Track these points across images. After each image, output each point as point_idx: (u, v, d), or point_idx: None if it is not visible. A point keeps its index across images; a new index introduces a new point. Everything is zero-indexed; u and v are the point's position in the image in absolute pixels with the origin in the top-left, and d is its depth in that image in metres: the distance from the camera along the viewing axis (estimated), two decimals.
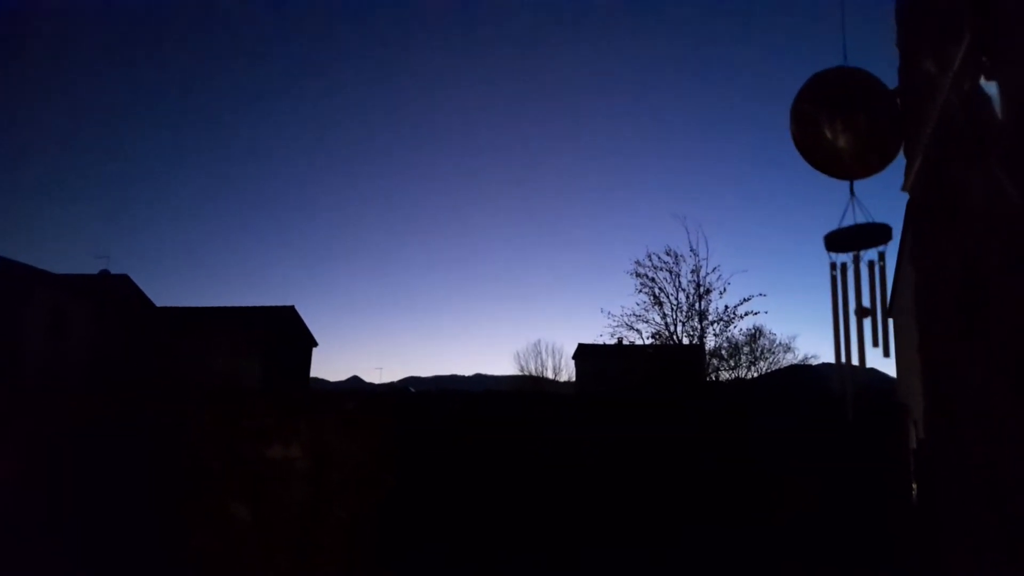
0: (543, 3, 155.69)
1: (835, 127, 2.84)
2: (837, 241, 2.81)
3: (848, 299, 2.80)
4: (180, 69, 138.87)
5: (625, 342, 23.75)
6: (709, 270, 20.53)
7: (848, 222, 2.79)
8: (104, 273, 31.10)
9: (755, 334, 26.75)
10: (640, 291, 21.12)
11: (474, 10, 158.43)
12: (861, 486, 5.76)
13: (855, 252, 2.79)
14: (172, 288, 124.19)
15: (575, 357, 40.20)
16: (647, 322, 21.12)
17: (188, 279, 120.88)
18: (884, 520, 5.63)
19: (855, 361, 2.84)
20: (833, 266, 2.81)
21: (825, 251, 2.84)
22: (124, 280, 31.46)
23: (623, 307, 26.85)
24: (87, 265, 39.59)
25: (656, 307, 20.93)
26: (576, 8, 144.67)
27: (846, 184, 2.89)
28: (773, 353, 29.34)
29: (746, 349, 26.63)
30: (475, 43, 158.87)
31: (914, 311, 3.12)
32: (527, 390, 35.83)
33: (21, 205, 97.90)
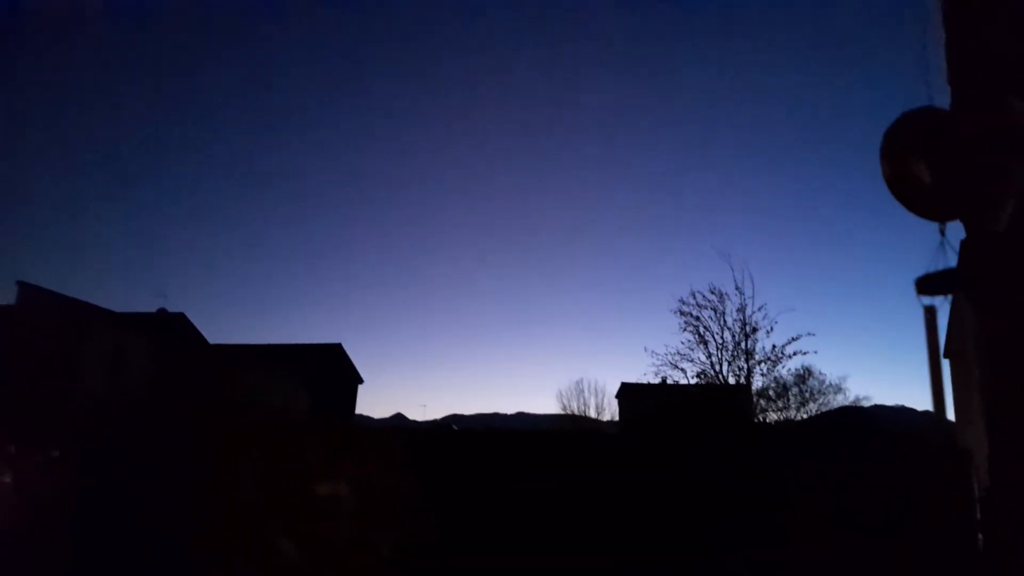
0: (582, 33, 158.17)
1: (927, 167, 2.84)
2: (931, 285, 2.77)
3: (939, 343, 2.76)
4: (231, 121, 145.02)
5: (670, 381, 23.40)
6: (755, 308, 20.24)
7: (938, 265, 2.76)
8: (162, 311, 32.21)
9: (804, 374, 26.00)
10: (684, 329, 20.92)
11: (514, 44, 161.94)
12: (926, 535, 5.54)
13: (946, 295, 2.76)
14: (224, 324, 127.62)
15: (619, 396, 39.65)
16: (692, 361, 20.83)
17: (239, 315, 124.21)
18: (951, 570, 5.38)
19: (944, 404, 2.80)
20: (927, 310, 2.77)
21: (917, 295, 2.79)
22: (180, 318, 32.51)
23: (667, 345, 26.52)
24: (146, 303, 41.12)
25: (701, 346, 20.67)
26: (619, 36, 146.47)
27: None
28: (823, 394, 28.41)
29: (795, 390, 25.86)
30: (514, 78, 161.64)
31: (975, 352, 3.05)
32: (569, 429, 35.41)
33: (84, 243, 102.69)
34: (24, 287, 25.89)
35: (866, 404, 29.68)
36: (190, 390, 28.01)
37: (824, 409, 28.16)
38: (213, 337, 33.57)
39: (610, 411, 41.73)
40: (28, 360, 24.04)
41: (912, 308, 2.76)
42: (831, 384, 28.82)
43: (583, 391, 42.38)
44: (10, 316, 25.36)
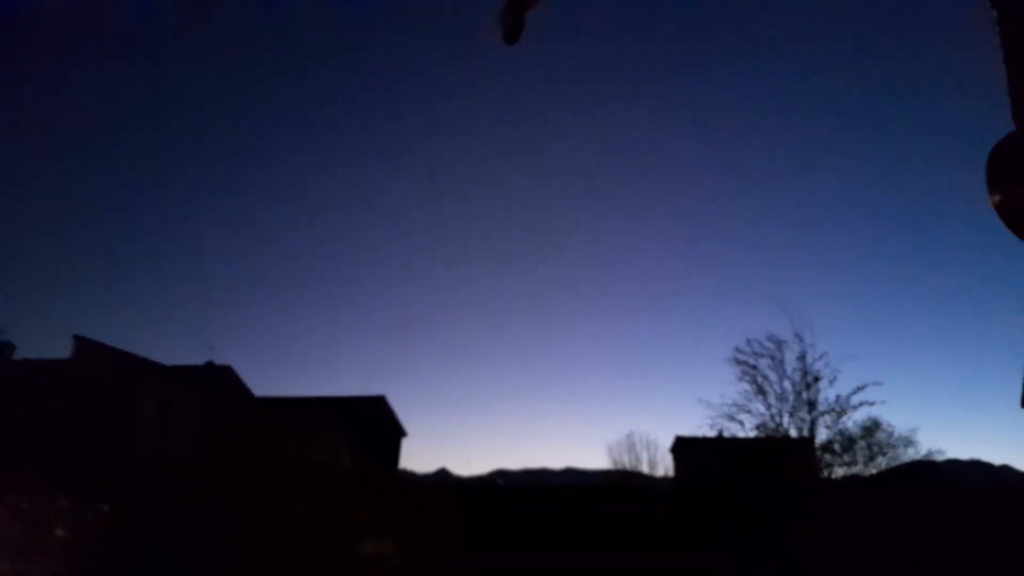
0: (632, 84, 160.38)
1: None
2: None
3: None
4: (276, 174, 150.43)
5: (727, 434, 22.34)
6: (816, 356, 19.29)
7: None
8: (209, 364, 32.65)
9: (871, 427, 24.54)
10: (741, 379, 20.04)
11: (555, 76, 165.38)
12: None
13: None
14: (268, 377, 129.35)
15: (672, 450, 38.22)
16: (750, 412, 19.86)
17: (283, 367, 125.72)
18: None
19: None
20: None
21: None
22: (227, 371, 32.88)
23: (723, 396, 25.51)
24: (194, 355, 41.95)
25: (759, 396, 19.75)
26: (671, 74, 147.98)
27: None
28: (892, 447, 26.71)
29: (861, 443, 24.39)
30: (556, 119, 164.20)
31: None
32: (620, 485, 34.11)
33: (133, 295, 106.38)
34: (79, 341, 26.56)
35: (939, 458, 27.75)
36: (237, 444, 28.08)
37: (894, 464, 26.49)
38: (259, 389, 33.83)
39: (664, 466, 40.17)
40: (83, 413, 24.48)
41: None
42: (900, 437, 27.14)
43: (634, 445, 40.98)
44: (66, 370, 25.98)
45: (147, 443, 25.28)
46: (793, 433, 19.45)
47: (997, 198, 2.66)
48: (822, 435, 20.07)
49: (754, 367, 19.87)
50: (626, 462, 39.99)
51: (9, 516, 9.70)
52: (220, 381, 31.64)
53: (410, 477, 48.59)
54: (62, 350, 27.19)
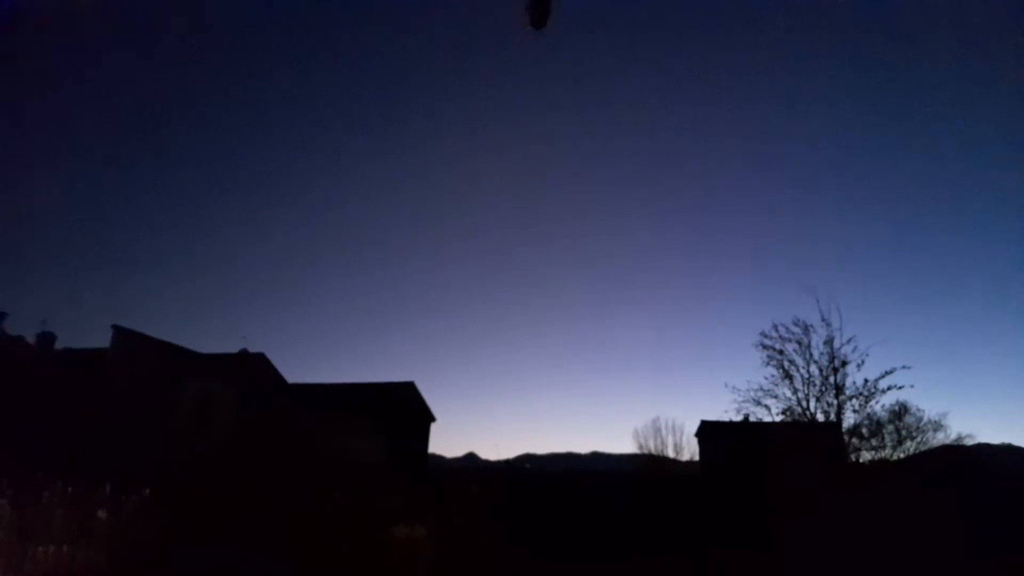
0: (663, 73, 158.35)
1: None
2: None
3: None
4: (308, 168, 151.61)
5: (752, 419, 22.31)
6: (844, 341, 19.14)
7: None
8: (243, 352, 33.36)
9: (900, 411, 24.30)
10: (767, 364, 19.94)
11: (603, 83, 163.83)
12: None
13: None
14: (300, 363, 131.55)
15: (698, 435, 38.25)
16: (776, 397, 19.78)
17: (314, 354, 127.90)
18: None
19: None
20: None
21: None
22: (261, 358, 33.58)
23: (749, 381, 25.38)
24: (229, 343, 42.80)
25: (786, 381, 19.64)
26: (706, 64, 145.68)
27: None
28: (921, 432, 26.43)
29: (890, 427, 24.18)
30: (598, 119, 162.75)
31: None
32: (646, 471, 34.29)
33: (172, 285, 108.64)
34: (118, 331, 27.30)
35: (969, 442, 27.42)
36: (271, 431, 28.75)
37: (923, 448, 26.25)
38: (291, 377, 34.53)
39: (689, 450, 40.25)
40: (123, 402, 25.26)
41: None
42: (930, 421, 26.86)
43: (660, 430, 41.09)
44: (106, 359, 26.77)
45: (186, 431, 26.02)
46: (820, 418, 19.36)
47: None
48: (849, 419, 19.93)
49: (780, 352, 19.74)
50: (652, 446, 40.14)
51: (53, 502, 10.16)
52: (254, 368, 32.34)
53: (439, 462, 49.27)
54: (102, 340, 28.05)
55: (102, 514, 9.37)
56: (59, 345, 29.97)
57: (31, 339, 29.63)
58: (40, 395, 24.81)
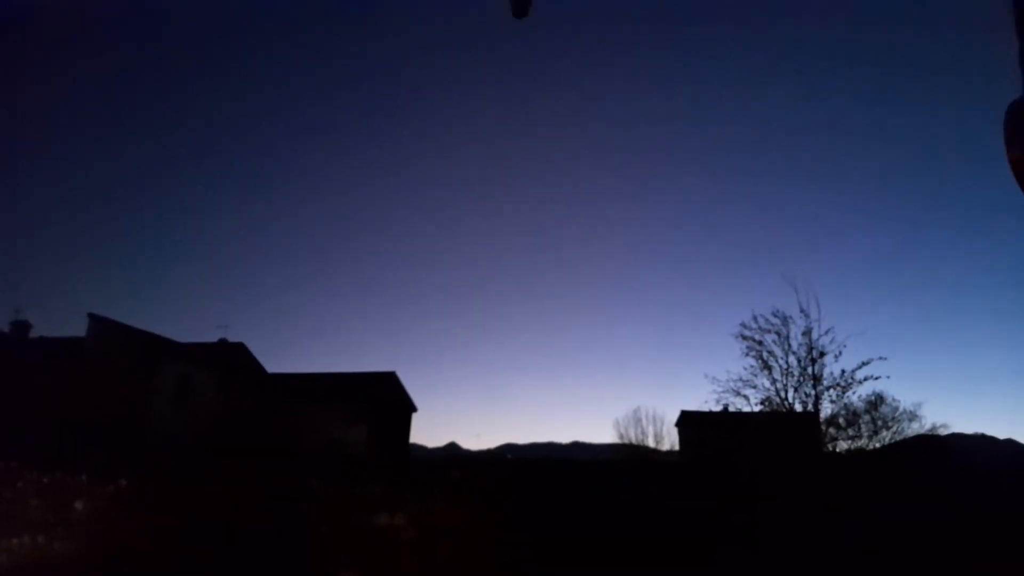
0: (649, 67, 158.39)
1: None
2: None
3: None
4: (288, 162, 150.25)
5: (732, 409, 22.55)
6: (822, 332, 19.37)
7: None
8: (223, 341, 33.04)
9: (876, 401, 24.68)
10: (747, 355, 20.13)
11: (596, 74, 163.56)
12: None
13: None
14: (280, 353, 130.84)
15: (678, 424, 38.62)
16: (755, 387, 20.00)
17: (295, 344, 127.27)
18: None
19: None
20: None
21: None
22: (241, 348, 33.28)
23: (729, 372, 25.62)
24: (208, 333, 42.41)
25: (765, 371, 19.84)
26: (684, 66, 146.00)
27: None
28: (897, 421, 26.91)
29: (866, 417, 24.56)
30: (581, 110, 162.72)
31: None
32: (627, 459, 34.55)
33: (148, 274, 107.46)
34: (95, 319, 26.91)
35: (943, 432, 28.00)
36: (252, 420, 28.56)
37: (898, 438, 26.73)
38: (271, 366, 34.27)
39: (669, 440, 40.62)
40: (99, 390, 24.92)
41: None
42: (905, 411, 27.37)
43: (641, 419, 41.40)
44: (81, 347, 26.38)
45: (165, 419, 25.76)
46: (798, 408, 19.61)
47: (1014, 155, 2.72)
48: (826, 409, 20.21)
49: (760, 342, 19.93)
50: (632, 436, 40.46)
51: (29, 492, 10.03)
52: (234, 358, 32.05)
53: (420, 452, 49.31)
54: (78, 329, 27.63)
55: (79, 504, 9.26)
56: (34, 334, 29.52)
57: (5, 328, 29.14)
58: (15, 384, 24.42)
